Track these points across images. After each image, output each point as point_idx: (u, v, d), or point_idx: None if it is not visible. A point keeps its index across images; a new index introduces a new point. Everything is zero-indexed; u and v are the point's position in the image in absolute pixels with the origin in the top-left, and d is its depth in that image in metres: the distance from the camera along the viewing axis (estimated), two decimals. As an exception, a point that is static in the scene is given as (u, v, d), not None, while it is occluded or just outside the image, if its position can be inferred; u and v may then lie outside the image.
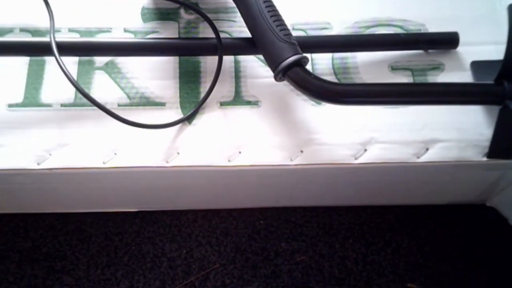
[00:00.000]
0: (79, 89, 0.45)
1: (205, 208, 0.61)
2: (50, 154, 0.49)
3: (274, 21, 0.47)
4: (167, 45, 0.52)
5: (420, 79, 0.54)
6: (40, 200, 0.57)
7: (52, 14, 0.49)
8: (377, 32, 0.56)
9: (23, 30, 0.54)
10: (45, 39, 0.49)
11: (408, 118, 0.51)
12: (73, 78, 0.46)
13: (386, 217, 0.61)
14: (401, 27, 0.57)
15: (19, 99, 0.51)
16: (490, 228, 0.61)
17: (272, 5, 0.48)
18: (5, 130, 0.50)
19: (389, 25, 0.57)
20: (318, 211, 0.61)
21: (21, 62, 0.53)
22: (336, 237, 0.60)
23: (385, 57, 0.55)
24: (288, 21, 0.48)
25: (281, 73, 0.47)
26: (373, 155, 0.50)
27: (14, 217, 0.60)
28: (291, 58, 0.46)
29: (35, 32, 0.54)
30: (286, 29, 0.47)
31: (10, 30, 0.54)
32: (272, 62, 0.47)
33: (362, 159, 0.50)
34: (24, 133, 0.50)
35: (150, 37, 0.55)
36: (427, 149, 0.50)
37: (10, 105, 0.51)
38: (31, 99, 0.51)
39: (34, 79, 0.52)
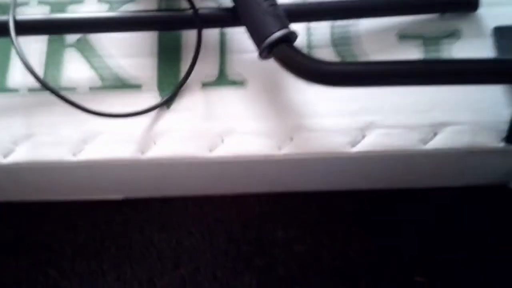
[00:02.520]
0: (36, 77, 0.41)
1: (195, 194, 0.56)
2: (16, 146, 0.45)
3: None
4: (139, 20, 0.46)
5: (432, 48, 0.48)
6: (18, 189, 0.54)
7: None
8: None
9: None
10: (4, 17, 0.44)
11: (413, 98, 0.45)
12: (28, 63, 0.41)
13: (389, 202, 0.55)
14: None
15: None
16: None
17: None
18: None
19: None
20: (317, 196, 0.56)
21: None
22: (338, 224, 0.55)
23: (393, 23, 0.49)
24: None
25: (265, 51, 0.41)
26: (373, 141, 0.44)
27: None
28: (275, 34, 0.40)
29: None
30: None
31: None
32: (255, 38, 0.42)
33: (360, 147, 0.44)
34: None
35: (122, 10, 0.49)
36: (435, 134, 0.44)
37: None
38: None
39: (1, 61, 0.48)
